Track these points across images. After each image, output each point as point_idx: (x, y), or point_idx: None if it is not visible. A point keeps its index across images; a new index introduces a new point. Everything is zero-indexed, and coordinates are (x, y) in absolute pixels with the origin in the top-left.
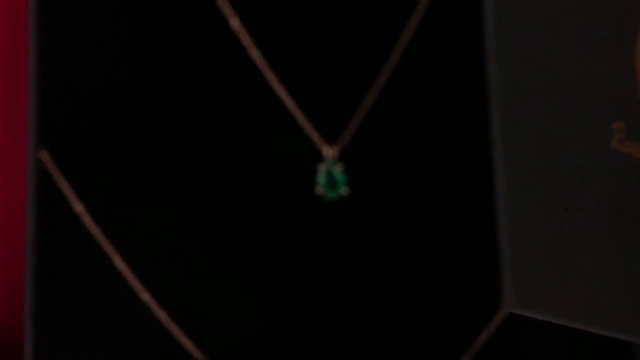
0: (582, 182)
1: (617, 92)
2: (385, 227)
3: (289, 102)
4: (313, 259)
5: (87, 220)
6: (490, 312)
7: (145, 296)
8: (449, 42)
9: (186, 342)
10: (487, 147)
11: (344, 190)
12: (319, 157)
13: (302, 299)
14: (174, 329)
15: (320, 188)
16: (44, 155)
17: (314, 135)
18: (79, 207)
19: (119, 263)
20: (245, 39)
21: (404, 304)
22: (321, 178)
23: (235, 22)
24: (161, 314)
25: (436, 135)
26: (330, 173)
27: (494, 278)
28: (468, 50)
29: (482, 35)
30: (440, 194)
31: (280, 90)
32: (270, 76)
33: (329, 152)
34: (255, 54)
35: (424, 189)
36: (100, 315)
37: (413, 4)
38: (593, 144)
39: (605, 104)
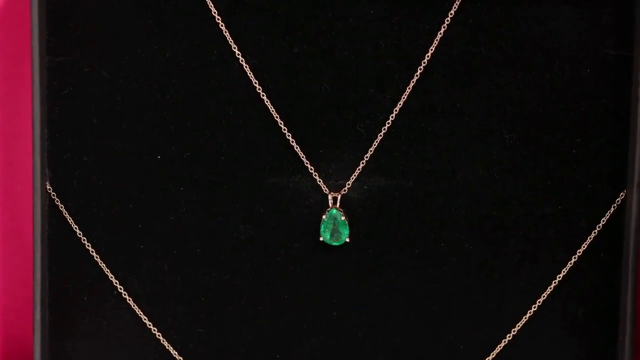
0: None
1: None
2: (387, 272)
3: (295, 146)
4: (315, 295)
5: (93, 251)
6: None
7: (152, 326)
8: (452, 91)
9: None
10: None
11: (347, 239)
12: (323, 201)
13: (304, 335)
14: (179, 357)
15: (323, 236)
16: (49, 188)
17: (319, 182)
18: (85, 240)
19: (127, 293)
20: (255, 82)
21: (408, 348)
22: (324, 227)
23: (244, 64)
24: (166, 343)
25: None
26: (333, 222)
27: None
28: (468, 101)
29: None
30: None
31: (286, 134)
32: (275, 116)
33: (332, 199)
34: (264, 97)
35: (430, 231)
36: (108, 344)
37: (416, 61)
38: None
39: None
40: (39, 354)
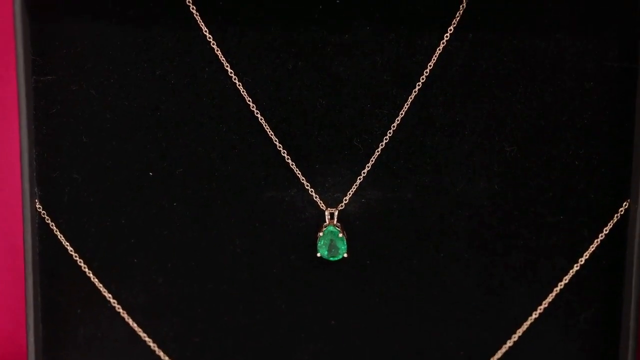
0: None
1: None
2: (386, 285)
3: (290, 163)
4: (312, 306)
5: (86, 267)
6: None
7: (147, 339)
8: (451, 105)
9: None
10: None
11: (344, 254)
12: (319, 215)
13: (301, 346)
14: None
15: (321, 252)
16: (39, 207)
17: (315, 197)
18: (76, 256)
19: (121, 307)
20: (248, 100)
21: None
22: (321, 243)
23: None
24: (162, 355)
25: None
26: (331, 238)
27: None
28: (468, 115)
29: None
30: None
31: (281, 151)
32: (269, 132)
33: (329, 214)
34: (258, 114)
35: (428, 243)
36: (103, 355)
37: (414, 77)
38: None
39: None
40: None
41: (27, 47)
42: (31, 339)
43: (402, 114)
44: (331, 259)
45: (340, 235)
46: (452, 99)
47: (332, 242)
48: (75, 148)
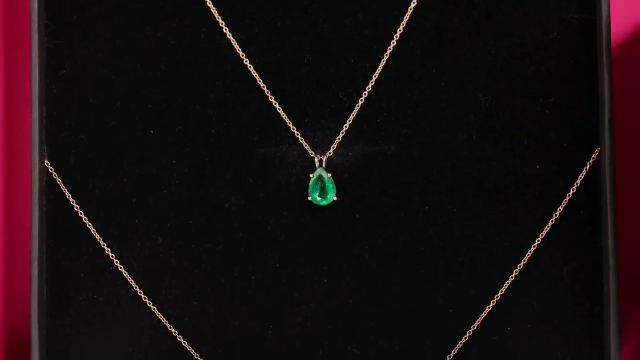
0: None
1: None
2: (374, 235)
3: (282, 115)
4: (306, 263)
5: (90, 226)
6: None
7: (148, 300)
8: (427, 58)
9: (187, 345)
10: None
11: (334, 197)
12: (310, 168)
13: (296, 304)
14: (176, 332)
15: (312, 196)
16: (47, 163)
17: (306, 147)
18: (82, 214)
19: (122, 268)
20: (242, 55)
21: (397, 312)
22: (312, 188)
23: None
24: (161, 317)
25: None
26: (320, 181)
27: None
28: (443, 67)
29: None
30: (431, 198)
31: (271, 99)
32: (262, 87)
33: (318, 161)
34: (252, 70)
35: (414, 195)
36: (105, 319)
37: (391, 30)
38: None
39: None
40: (37, 327)
41: (42, 13)
42: (35, 299)
43: (381, 67)
44: (322, 202)
45: (329, 175)
46: (428, 52)
47: (322, 185)
48: (83, 109)
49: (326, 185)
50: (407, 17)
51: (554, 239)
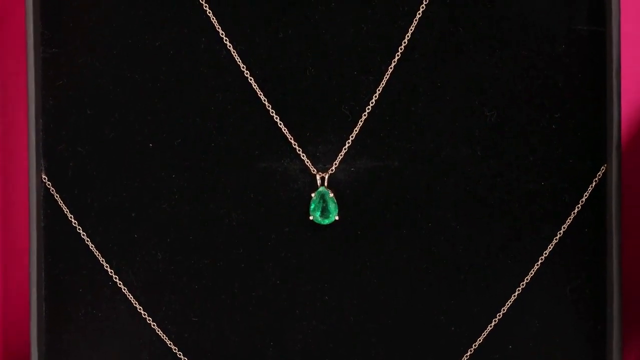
0: None
1: None
2: (377, 252)
3: (283, 129)
4: (307, 279)
5: (89, 241)
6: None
7: (147, 316)
8: (433, 71)
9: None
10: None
11: (336, 217)
12: (311, 184)
13: (297, 320)
14: (176, 349)
15: (313, 215)
16: (45, 178)
17: (307, 163)
18: (80, 229)
19: (122, 283)
20: (242, 67)
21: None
22: (313, 206)
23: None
24: (161, 333)
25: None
26: (322, 200)
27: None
28: (449, 81)
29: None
30: (432, 217)
31: (274, 117)
32: (263, 100)
33: (320, 179)
34: (252, 82)
35: (416, 211)
36: (104, 335)
37: (396, 42)
38: None
39: None
40: (36, 343)
41: (37, 21)
42: (34, 315)
43: (385, 80)
44: (324, 222)
45: (331, 195)
46: (433, 64)
47: (324, 204)
48: (80, 120)
49: (328, 205)
50: (412, 28)
51: (558, 256)
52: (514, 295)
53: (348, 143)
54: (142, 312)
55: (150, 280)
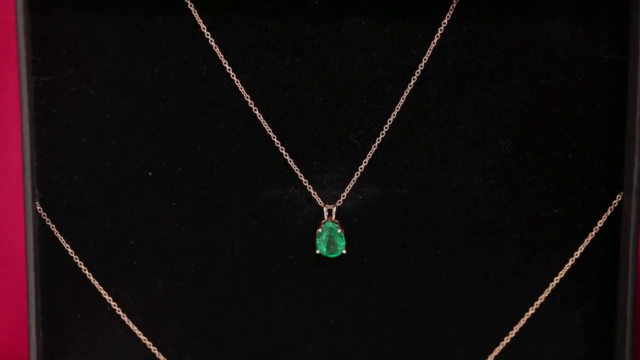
0: None
1: None
2: (384, 281)
3: (288, 159)
4: (311, 307)
5: (86, 270)
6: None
7: (146, 340)
8: (446, 100)
9: None
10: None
11: (343, 251)
12: (317, 212)
13: (300, 346)
14: None
15: (320, 248)
16: (39, 209)
17: (313, 194)
18: (77, 259)
19: (121, 310)
20: (247, 97)
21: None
22: (320, 239)
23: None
24: (162, 357)
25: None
26: (329, 234)
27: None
28: (463, 110)
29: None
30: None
31: (277, 144)
32: (268, 130)
33: (327, 211)
34: (256, 111)
35: (425, 239)
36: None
37: (409, 71)
38: None
39: None
40: None
41: (28, 48)
42: (33, 344)
43: (397, 109)
44: (330, 255)
45: (339, 231)
46: (446, 93)
47: (330, 238)
48: (75, 149)
49: (335, 239)
50: (426, 57)
51: (569, 283)
52: (522, 321)
53: (357, 174)
54: (142, 337)
55: (151, 306)
